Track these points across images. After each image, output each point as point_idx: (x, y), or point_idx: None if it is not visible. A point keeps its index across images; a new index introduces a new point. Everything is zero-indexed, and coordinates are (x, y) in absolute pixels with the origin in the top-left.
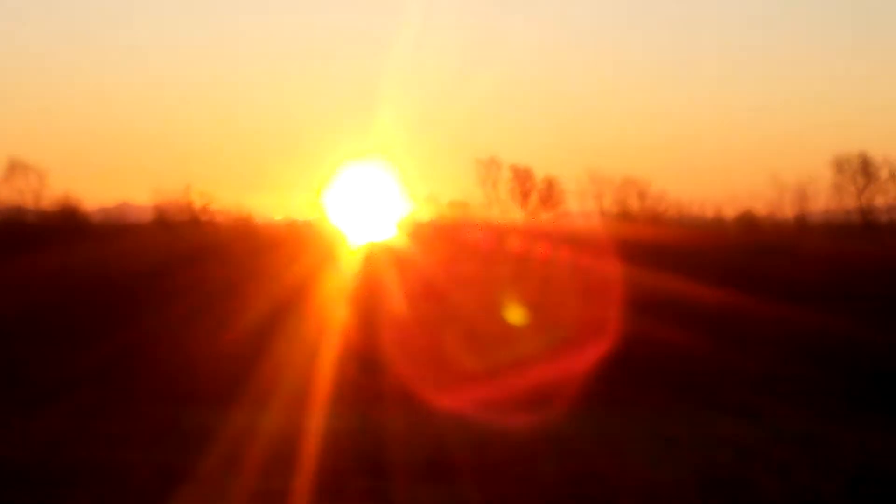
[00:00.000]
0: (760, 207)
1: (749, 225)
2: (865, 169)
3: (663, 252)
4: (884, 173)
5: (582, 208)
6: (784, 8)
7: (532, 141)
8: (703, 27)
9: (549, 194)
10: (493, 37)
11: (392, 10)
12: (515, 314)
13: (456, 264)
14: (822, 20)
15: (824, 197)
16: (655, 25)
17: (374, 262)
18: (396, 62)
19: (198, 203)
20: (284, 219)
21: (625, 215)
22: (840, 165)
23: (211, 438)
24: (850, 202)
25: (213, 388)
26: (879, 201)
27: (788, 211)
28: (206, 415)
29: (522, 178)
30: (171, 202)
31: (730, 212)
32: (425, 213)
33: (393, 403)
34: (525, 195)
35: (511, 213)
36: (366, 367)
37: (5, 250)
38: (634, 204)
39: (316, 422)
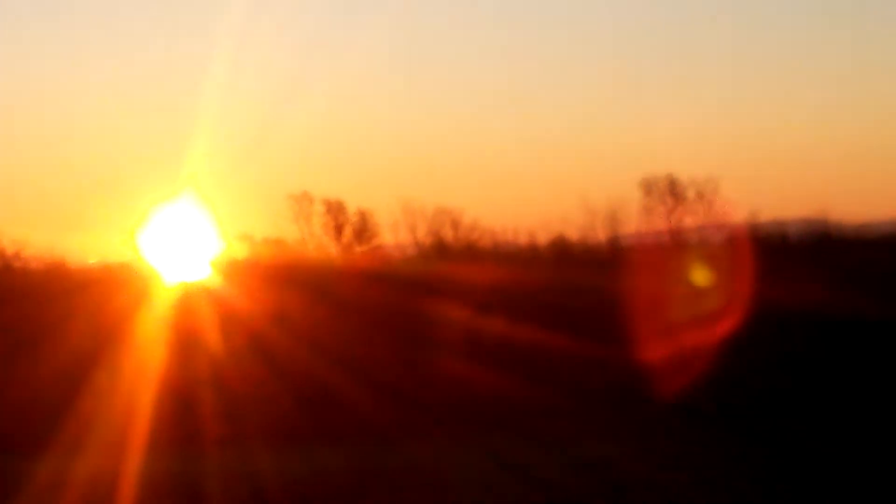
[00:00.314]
0: (572, 232)
1: (562, 250)
2: (673, 190)
3: (475, 286)
4: (691, 193)
5: (396, 240)
6: (586, 31)
7: (345, 174)
8: (506, 50)
9: (363, 227)
10: (302, 72)
11: (202, 47)
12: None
13: (271, 302)
14: (621, 44)
15: (635, 219)
16: (458, 55)
17: (190, 302)
18: (208, 99)
19: (9, 249)
20: (99, 261)
21: (439, 246)
22: (649, 187)
23: (22, 488)
24: (659, 223)
25: (25, 434)
26: (688, 221)
27: (600, 234)
28: (17, 463)
29: (335, 211)
30: None
31: (543, 237)
32: (240, 251)
33: (210, 442)
34: (339, 229)
35: (325, 247)
36: (183, 407)
37: None
38: (448, 234)
39: (133, 464)
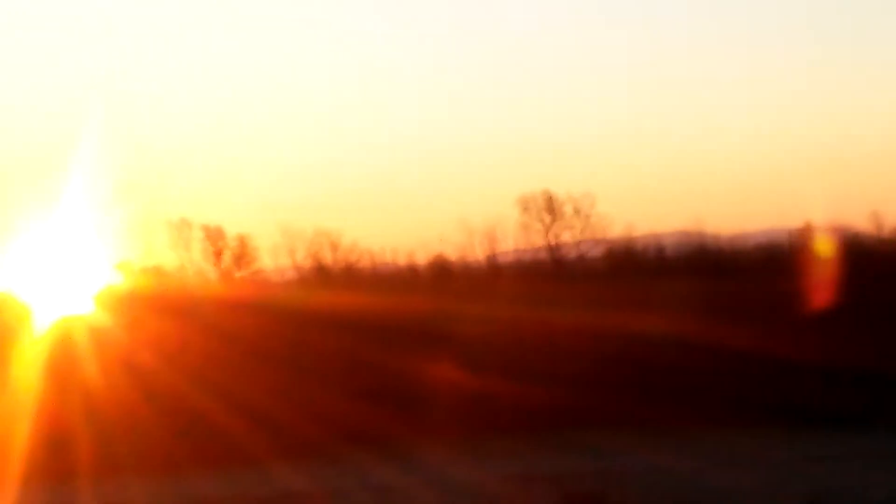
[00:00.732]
0: (451, 251)
1: (441, 270)
2: (550, 206)
3: (352, 312)
4: (568, 209)
5: (276, 264)
6: (463, 45)
7: (223, 200)
8: (381, 65)
9: (243, 252)
10: (179, 95)
11: (84, 68)
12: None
13: (149, 332)
14: (499, 57)
15: (513, 237)
16: (332, 72)
17: (64, 335)
18: (86, 124)
19: None
20: None
21: (318, 269)
22: (526, 204)
23: None
24: (538, 240)
25: None
26: (566, 237)
27: (479, 253)
28: None
29: (214, 237)
30: None
31: (422, 258)
32: (120, 282)
33: (85, 476)
34: (218, 255)
35: (205, 274)
36: (58, 441)
37: None
38: (328, 256)
39: (6, 500)
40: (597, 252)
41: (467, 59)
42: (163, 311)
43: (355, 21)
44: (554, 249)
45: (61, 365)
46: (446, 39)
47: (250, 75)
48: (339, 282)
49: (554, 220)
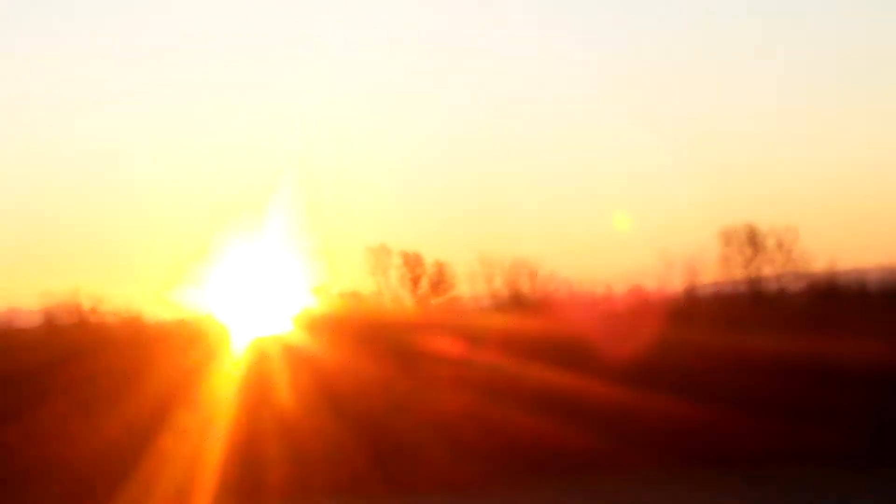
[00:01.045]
0: (650, 283)
1: (637, 300)
2: (752, 239)
3: (550, 340)
4: (771, 242)
5: (473, 292)
6: (661, 80)
7: (422, 227)
8: (584, 99)
9: (440, 279)
10: (384, 123)
11: (282, 99)
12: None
13: (346, 355)
14: (699, 93)
15: (712, 270)
16: (536, 110)
17: (262, 356)
18: (286, 154)
19: (86, 305)
20: (173, 316)
21: (515, 297)
22: (727, 237)
23: None
24: (738, 273)
25: (99, 484)
26: (767, 270)
27: (678, 285)
28: None
29: (412, 263)
30: (60, 305)
31: (620, 288)
32: (316, 305)
33: (278, 495)
34: (415, 281)
35: (402, 300)
36: (251, 459)
37: None
38: (525, 285)
39: None
40: (798, 286)
41: (676, 91)
42: (359, 334)
43: (546, 50)
44: (754, 283)
45: (257, 385)
46: (657, 73)
47: (451, 104)
48: (536, 310)
49: (755, 254)
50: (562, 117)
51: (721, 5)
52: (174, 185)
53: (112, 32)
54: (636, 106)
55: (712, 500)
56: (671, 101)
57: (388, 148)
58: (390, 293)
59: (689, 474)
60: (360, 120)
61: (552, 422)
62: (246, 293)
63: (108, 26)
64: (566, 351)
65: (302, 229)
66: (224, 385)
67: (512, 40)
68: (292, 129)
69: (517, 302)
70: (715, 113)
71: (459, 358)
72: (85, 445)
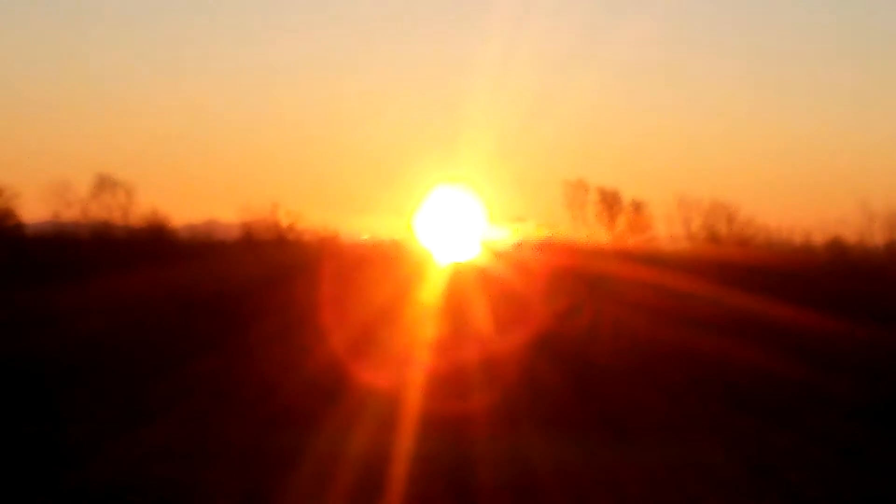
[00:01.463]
0: (849, 234)
1: (838, 251)
2: None
3: (753, 275)
4: None
5: (670, 232)
6: (872, 39)
7: (620, 164)
8: (794, 57)
9: (637, 218)
10: (578, 57)
11: (476, 31)
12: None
13: (545, 288)
14: None
15: None
16: (746, 52)
17: (463, 283)
18: (482, 85)
19: (285, 222)
20: (371, 238)
21: (713, 240)
22: None
23: (297, 460)
24: None
25: (303, 410)
26: None
27: (878, 238)
28: (296, 437)
29: (610, 201)
30: (259, 220)
31: (818, 238)
32: (513, 235)
33: (480, 427)
34: (612, 218)
35: (598, 236)
36: (454, 389)
37: (95, 267)
38: (722, 229)
39: (404, 443)
40: None
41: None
42: (559, 267)
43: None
44: None
45: (458, 313)
46: (869, 24)
47: (648, 42)
48: (732, 256)
49: None
50: (761, 59)
51: None
52: (378, 119)
53: None
54: (840, 61)
55: None
56: (876, 60)
57: (587, 81)
58: (587, 229)
59: None
60: (555, 53)
61: (766, 357)
62: (446, 221)
63: None
64: (772, 281)
65: (501, 162)
66: (425, 311)
67: None
68: (487, 61)
69: (714, 245)
70: None
71: (663, 290)
72: (287, 369)
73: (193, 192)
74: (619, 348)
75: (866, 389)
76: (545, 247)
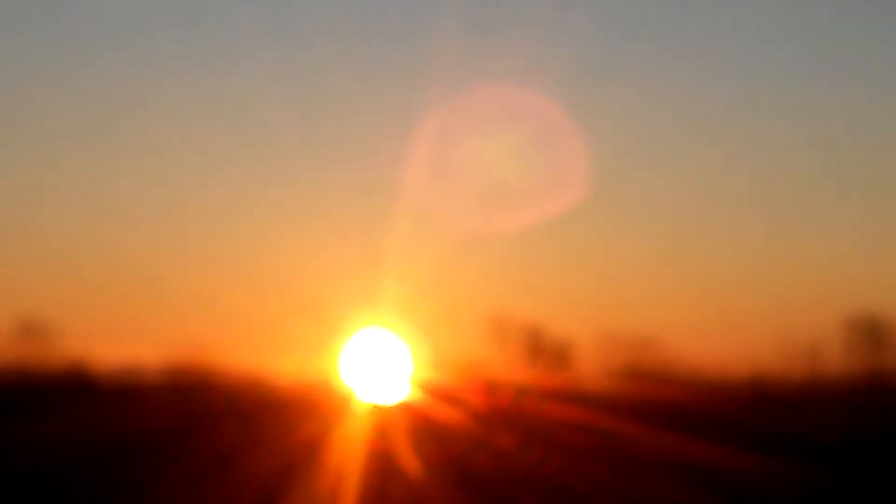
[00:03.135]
0: (771, 368)
1: (759, 386)
2: (877, 330)
3: (675, 413)
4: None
5: (592, 368)
6: (792, 165)
7: (542, 299)
8: (717, 189)
9: (560, 354)
10: (499, 196)
11: (394, 169)
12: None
13: (470, 426)
14: (832, 176)
15: (835, 358)
16: (658, 181)
17: (385, 425)
18: (401, 222)
19: (208, 364)
20: (297, 380)
21: (636, 377)
22: (852, 326)
23: None
24: (862, 364)
25: None
26: (891, 363)
27: (799, 372)
28: None
29: (533, 337)
30: (182, 364)
31: (740, 372)
32: (437, 375)
33: None
34: (536, 355)
35: (521, 373)
36: None
37: (17, 410)
38: (645, 364)
39: None
40: None
41: (805, 174)
42: (482, 405)
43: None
44: (877, 377)
45: (381, 455)
46: (786, 158)
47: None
48: (652, 390)
49: (881, 345)
50: (682, 194)
51: None
52: (292, 257)
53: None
54: (760, 188)
55: None
56: (797, 188)
57: (508, 215)
58: (509, 366)
59: None
60: (476, 187)
61: (686, 494)
62: (364, 362)
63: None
64: (690, 419)
65: (417, 299)
66: (349, 451)
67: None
68: (405, 199)
69: (639, 381)
70: (842, 197)
71: (586, 428)
72: None
73: (115, 336)
74: (545, 487)
75: None
76: (471, 386)
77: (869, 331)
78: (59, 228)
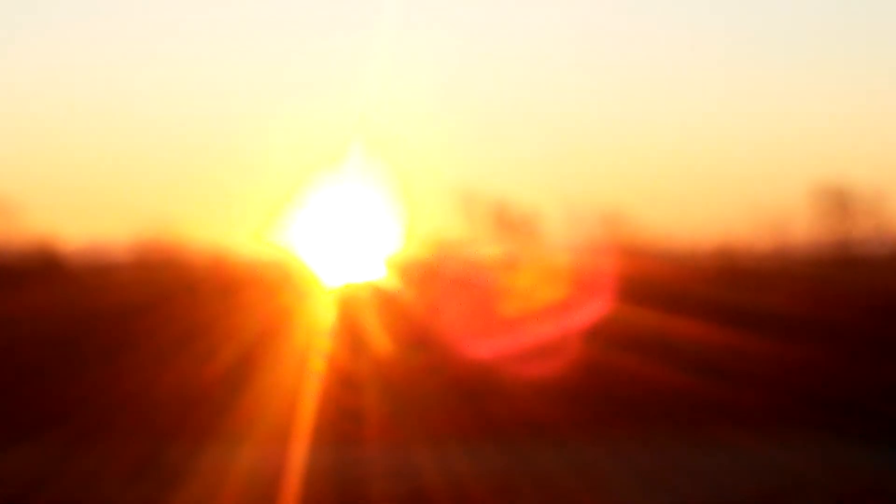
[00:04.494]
0: (739, 238)
1: (727, 258)
2: (843, 199)
3: (645, 287)
4: (862, 203)
5: (561, 240)
6: (765, 40)
7: (511, 172)
8: (683, 58)
9: (528, 226)
10: (466, 65)
11: (363, 38)
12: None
13: (443, 303)
14: (803, 46)
15: (803, 228)
16: (633, 55)
17: (354, 301)
18: (371, 91)
19: (173, 240)
20: (262, 255)
21: (602, 246)
22: (818, 195)
23: (189, 475)
24: (829, 233)
25: (189, 426)
26: (858, 232)
27: (767, 242)
28: (184, 451)
29: (501, 210)
30: (146, 240)
31: (708, 244)
32: (404, 250)
33: (372, 440)
34: (504, 227)
35: (490, 245)
36: (344, 404)
37: None
38: (613, 235)
39: (294, 458)
40: (887, 250)
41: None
42: (449, 278)
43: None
44: (844, 245)
45: (348, 329)
46: (771, 22)
47: (539, 46)
48: (624, 267)
49: (846, 214)
50: (653, 59)
51: None
52: (263, 129)
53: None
54: (734, 59)
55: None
56: (770, 60)
57: (477, 86)
58: (478, 238)
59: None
60: (444, 58)
61: (663, 369)
62: (334, 238)
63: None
64: (670, 296)
65: (388, 173)
66: (316, 329)
67: None
68: (374, 65)
69: (608, 252)
70: (815, 66)
71: (551, 301)
72: (175, 389)
73: (81, 212)
74: (512, 358)
75: (757, 398)
76: (440, 260)
77: (836, 199)
78: (26, 104)
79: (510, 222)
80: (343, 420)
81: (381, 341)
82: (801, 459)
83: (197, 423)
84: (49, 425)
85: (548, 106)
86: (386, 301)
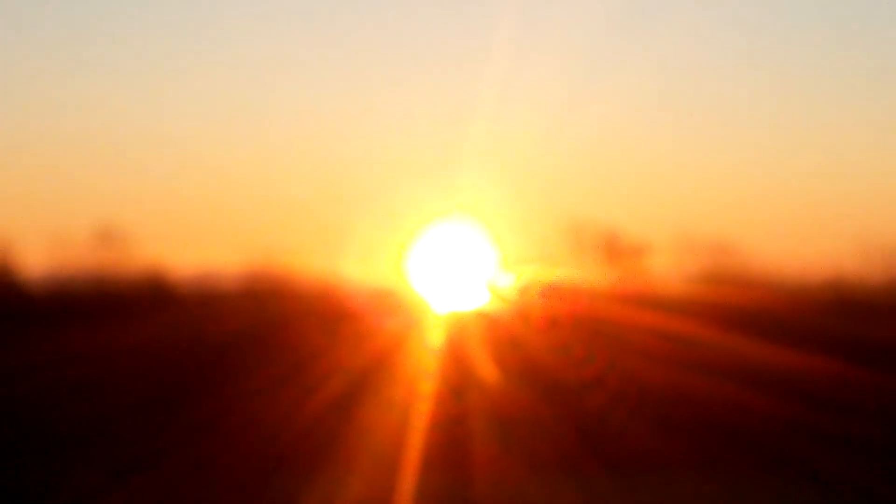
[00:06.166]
0: (850, 270)
1: (838, 290)
2: None
3: (755, 318)
4: None
5: (669, 270)
6: (877, 70)
7: (620, 201)
8: (796, 94)
9: (637, 255)
10: (578, 94)
11: (473, 68)
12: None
13: (548, 330)
14: None
15: None
16: (749, 91)
17: (461, 329)
18: (480, 121)
19: (283, 270)
20: (370, 285)
21: (714, 281)
22: None
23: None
24: None
25: (300, 456)
26: None
27: (879, 274)
28: (294, 482)
29: (610, 238)
30: (256, 269)
31: (818, 276)
32: (513, 280)
33: (482, 469)
34: (612, 256)
35: (598, 274)
36: (453, 432)
37: (95, 318)
38: (722, 266)
39: (404, 486)
40: None
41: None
42: (558, 310)
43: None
44: None
45: (457, 358)
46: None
47: (650, 76)
48: (731, 293)
49: None
50: (766, 96)
51: None
52: (372, 158)
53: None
54: (844, 91)
55: None
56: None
57: (588, 116)
58: (586, 269)
59: None
60: (555, 88)
61: (762, 399)
62: (443, 265)
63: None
64: (773, 326)
65: (498, 200)
66: (423, 357)
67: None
68: (485, 95)
69: (718, 283)
70: None
71: (660, 332)
72: (285, 419)
73: (192, 241)
74: (624, 393)
75: (867, 429)
76: (550, 291)
77: None
78: (134, 136)
79: (620, 252)
80: (452, 450)
81: (490, 370)
82: None
83: (306, 452)
84: (161, 456)
85: (660, 135)
86: (495, 329)
